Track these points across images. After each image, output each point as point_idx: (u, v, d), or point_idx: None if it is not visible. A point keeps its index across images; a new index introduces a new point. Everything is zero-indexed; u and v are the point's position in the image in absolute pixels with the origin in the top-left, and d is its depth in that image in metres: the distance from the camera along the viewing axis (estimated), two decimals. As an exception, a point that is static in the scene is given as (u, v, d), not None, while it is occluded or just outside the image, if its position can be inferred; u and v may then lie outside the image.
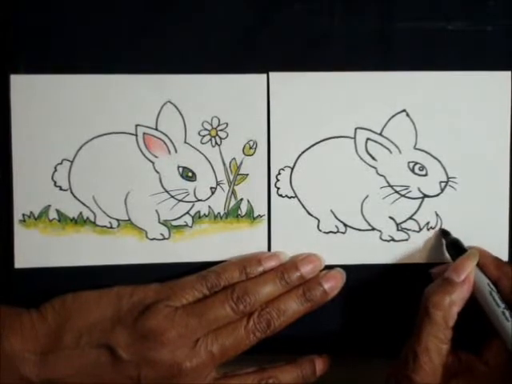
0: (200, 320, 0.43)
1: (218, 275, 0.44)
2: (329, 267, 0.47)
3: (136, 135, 0.46)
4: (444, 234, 0.47)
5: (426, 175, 0.47)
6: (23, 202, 0.46)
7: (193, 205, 0.47)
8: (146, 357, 0.42)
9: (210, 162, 0.46)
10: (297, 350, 0.47)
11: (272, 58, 0.46)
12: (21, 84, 0.45)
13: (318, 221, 0.47)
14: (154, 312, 0.42)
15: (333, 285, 0.45)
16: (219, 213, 0.47)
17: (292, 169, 0.47)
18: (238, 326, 0.43)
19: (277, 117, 0.47)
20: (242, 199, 0.47)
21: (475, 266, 0.44)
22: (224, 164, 0.46)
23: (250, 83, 0.46)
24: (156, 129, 0.46)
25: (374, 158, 0.47)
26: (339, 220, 0.47)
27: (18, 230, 0.46)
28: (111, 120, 0.46)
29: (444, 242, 0.47)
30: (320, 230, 0.47)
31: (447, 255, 0.47)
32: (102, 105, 0.46)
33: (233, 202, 0.47)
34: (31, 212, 0.46)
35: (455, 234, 0.47)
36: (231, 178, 0.47)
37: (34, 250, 0.46)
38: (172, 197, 0.46)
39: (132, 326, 0.42)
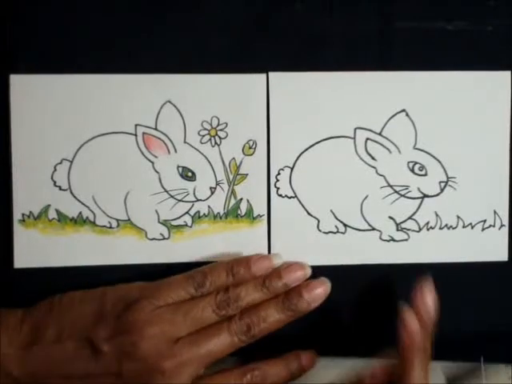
0: (183, 318, 0.42)
1: (204, 275, 0.44)
2: (329, 267, 0.47)
3: (136, 135, 0.46)
4: None
5: (425, 175, 0.47)
6: (23, 201, 0.46)
7: (192, 205, 0.47)
8: (127, 351, 0.42)
9: (209, 162, 0.46)
10: (296, 349, 0.47)
11: (272, 58, 0.46)
12: (21, 84, 0.45)
13: (318, 221, 0.47)
14: (138, 308, 0.42)
15: (314, 296, 0.44)
16: (219, 213, 0.47)
17: (292, 169, 0.47)
18: (221, 328, 0.43)
19: (276, 117, 0.47)
20: (241, 199, 0.47)
21: None
22: (224, 164, 0.46)
23: (250, 83, 0.46)
24: (156, 129, 0.46)
25: (373, 158, 0.47)
26: (339, 220, 0.47)
27: (18, 229, 0.46)
28: (111, 120, 0.46)
29: None
30: (320, 230, 0.47)
31: (446, 256, 0.47)
32: (101, 105, 0.46)
33: (232, 202, 0.47)
34: (31, 212, 0.46)
35: (454, 234, 0.47)
36: (231, 177, 0.47)
37: (33, 249, 0.46)
38: (172, 197, 0.46)
39: (114, 321, 0.42)
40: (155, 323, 0.42)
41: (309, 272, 0.45)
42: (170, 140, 0.46)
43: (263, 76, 0.46)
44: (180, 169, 0.46)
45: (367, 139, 0.47)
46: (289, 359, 0.45)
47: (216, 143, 0.46)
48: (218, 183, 0.46)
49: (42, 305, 0.44)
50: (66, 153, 0.46)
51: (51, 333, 0.43)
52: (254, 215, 0.47)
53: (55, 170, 0.46)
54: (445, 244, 0.47)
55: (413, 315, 0.42)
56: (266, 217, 0.47)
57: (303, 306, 0.44)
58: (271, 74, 0.46)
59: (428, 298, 0.43)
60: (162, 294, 0.43)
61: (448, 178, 0.47)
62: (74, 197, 0.46)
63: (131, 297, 0.43)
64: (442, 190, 0.47)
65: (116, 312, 0.43)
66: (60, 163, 0.46)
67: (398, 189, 0.47)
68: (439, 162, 0.47)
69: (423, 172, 0.47)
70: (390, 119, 0.47)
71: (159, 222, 0.46)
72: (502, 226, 0.47)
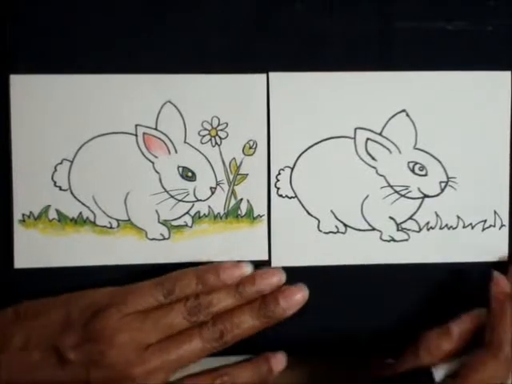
0: (153, 325, 0.42)
1: (173, 282, 0.43)
2: (329, 267, 0.47)
3: (136, 135, 0.46)
4: None
5: (425, 175, 0.47)
6: (23, 202, 0.46)
7: (193, 205, 0.47)
8: (95, 359, 0.41)
9: (209, 162, 0.46)
10: (296, 350, 0.47)
11: (272, 58, 0.46)
12: (21, 84, 0.45)
13: (318, 221, 0.47)
14: (106, 315, 0.42)
15: (292, 302, 0.44)
16: (219, 213, 0.47)
17: (292, 169, 0.47)
18: (192, 334, 0.43)
19: (277, 117, 0.47)
20: (241, 199, 0.47)
21: None
22: (224, 164, 0.46)
23: (250, 83, 0.46)
24: (156, 129, 0.46)
25: (373, 158, 0.47)
26: (339, 220, 0.47)
27: (18, 230, 0.46)
28: (111, 120, 0.46)
29: None
30: (320, 231, 0.47)
31: (446, 256, 0.47)
32: (102, 105, 0.46)
33: (233, 202, 0.47)
34: (31, 212, 0.46)
35: (454, 234, 0.47)
36: (231, 177, 0.47)
37: (33, 250, 0.46)
38: (172, 197, 0.46)
39: (82, 328, 0.42)
40: (124, 331, 0.42)
41: (283, 278, 0.45)
42: (171, 140, 0.46)
43: (263, 76, 0.46)
44: (180, 169, 0.46)
45: (367, 139, 0.47)
46: (258, 362, 0.45)
47: (216, 143, 0.46)
48: (218, 183, 0.46)
49: (7, 312, 0.43)
50: (67, 153, 0.46)
51: (18, 340, 0.42)
52: (255, 215, 0.47)
53: (55, 170, 0.46)
54: (445, 244, 0.47)
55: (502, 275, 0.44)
56: (266, 217, 0.47)
57: (279, 313, 0.44)
58: (271, 74, 0.46)
59: None
60: (130, 301, 0.43)
61: (448, 178, 0.47)
62: (75, 197, 0.46)
63: (99, 304, 0.43)
64: (442, 190, 0.47)
65: (83, 319, 0.42)
66: (60, 163, 0.46)
67: (398, 189, 0.47)
68: (439, 162, 0.47)
69: (423, 172, 0.47)
70: (390, 119, 0.47)
71: (159, 222, 0.46)
72: (502, 226, 0.47)
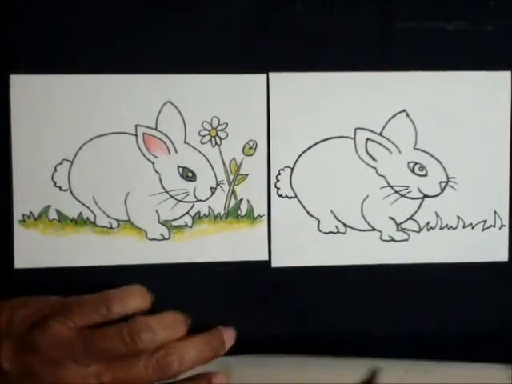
0: (91, 347, 0.41)
1: (120, 300, 0.43)
2: (329, 268, 0.47)
3: (136, 135, 0.46)
4: None
5: (425, 175, 0.47)
6: (23, 202, 0.46)
7: (193, 205, 0.47)
8: (30, 371, 0.40)
9: (209, 162, 0.46)
10: (296, 350, 0.47)
11: (272, 58, 0.46)
12: (21, 84, 0.45)
13: (318, 221, 0.47)
14: (46, 327, 0.41)
15: (230, 339, 0.44)
16: (219, 213, 0.47)
17: (292, 169, 0.47)
18: (136, 362, 0.41)
19: (277, 117, 0.47)
20: (241, 199, 0.47)
21: None
22: (224, 164, 0.46)
23: (250, 83, 0.46)
24: (156, 129, 0.46)
25: (373, 159, 0.47)
26: (339, 220, 0.47)
27: (18, 230, 0.46)
28: (111, 120, 0.46)
29: None
30: (320, 231, 0.47)
31: (446, 256, 0.47)
32: (102, 105, 0.46)
33: (233, 202, 0.47)
34: (31, 212, 0.46)
35: (454, 234, 0.47)
36: (231, 178, 0.47)
37: (33, 250, 0.46)
38: (172, 197, 0.46)
39: (20, 338, 0.41)
40: (61, 347, 0.41)
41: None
42: (171, 140, 0.46)
43: (263, 76, 0.46)
44: (180, 169, 0.46)
45: (367, 139, 0.47)
46: (200, 382, 0.44)
47: (216, 143, 0.46)
48: (218, 183, 0.46)
49: None
50: (67, 153, 0.46)
51: None
52: (255, 215, 0.47)
53: (55, 170, 0.46)
54: (445, 244, 0.47)
55: None
56: (266, 217, 0.47)
57: (222, 349, 0.44)
58: (271, 75, 0.46)
59: None
60: (73, 315, 0.42)
61: (448, 178, 0.47)
62: (75, 197, 0.46)
63: (41, 314, 0.42)
64: (442, 190, 0.47)
65: (23, 328, 0.41)
66: (60, 163, 0.46)
67: (398, 189, 0.47)
68: (439, 162, 0.47)
69: (423, 172, 0.47)
70: (390, 119, 0.47)
71: (159, 222, 0.46)
72: (502, 226, 0.47)
